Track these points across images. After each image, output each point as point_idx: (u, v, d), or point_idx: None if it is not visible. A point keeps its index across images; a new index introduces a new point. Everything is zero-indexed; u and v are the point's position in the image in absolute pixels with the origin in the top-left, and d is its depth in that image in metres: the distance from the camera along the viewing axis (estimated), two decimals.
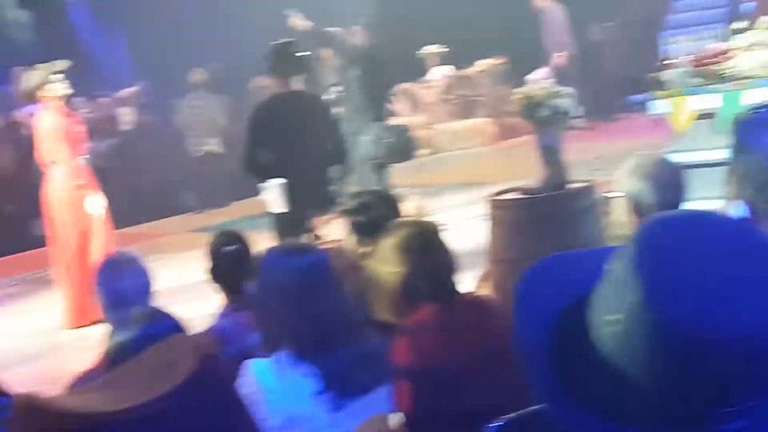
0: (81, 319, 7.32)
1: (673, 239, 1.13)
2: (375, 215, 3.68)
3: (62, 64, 7.62)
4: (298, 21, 7.68)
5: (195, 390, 0.98)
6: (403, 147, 8.20)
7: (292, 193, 6.06)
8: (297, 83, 6.32)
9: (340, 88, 8.12)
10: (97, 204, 7.52)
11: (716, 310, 1.07)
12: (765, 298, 1.08)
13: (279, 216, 6.02)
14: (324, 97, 7.87)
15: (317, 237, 5.79)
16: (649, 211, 2.98)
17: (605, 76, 13.56)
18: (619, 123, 13.62)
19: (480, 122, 14.02)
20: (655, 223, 1.16)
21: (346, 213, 3.80)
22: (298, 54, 6.30)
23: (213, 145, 13.07)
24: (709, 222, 1.16)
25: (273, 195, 6.08)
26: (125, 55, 17.41)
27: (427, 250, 2.97)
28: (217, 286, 3.92)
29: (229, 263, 3.83)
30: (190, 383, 0.98)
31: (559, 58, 13.32)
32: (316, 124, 6.20)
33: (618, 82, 13.68)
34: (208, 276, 3.92)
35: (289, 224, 5.66)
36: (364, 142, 7.98)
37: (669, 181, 3.20)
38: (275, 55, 6.29)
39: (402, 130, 8.45)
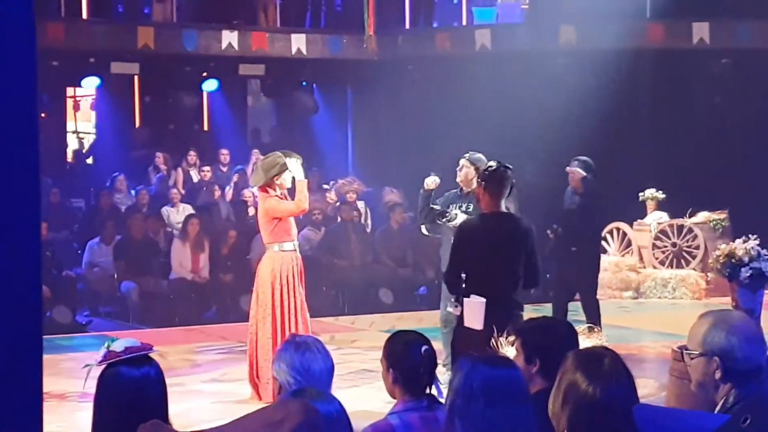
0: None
1: None
2: (553, 340, 3.58)
3: (298, 159, 8.07)
4: None
5: None
6: None
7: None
8: (502, 205, 6.42)
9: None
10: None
11: None
12: None
13: (464, 330, 6.00)
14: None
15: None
16: (740, 368, 2.77)
17: None
18: None
19: (690, 274, 13.72)
20: None
21: (522, 332, 3.74)
22: (512, 178, 6.35)
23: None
24: None
25: (474, 311, 6.06)
26: (350, 148, 18.00)
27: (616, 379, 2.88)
28: (393, 382, 3.81)
29: (419, 363, 3.73)
30: None
31: None
32: (516, 248, 6.22)
33: None
34: (386, 372, 3.81)
35: (467, 341, 5.56)
36: None
37: (755, 336, 2.86)
38: (493, 174, 6.29)
39: None
